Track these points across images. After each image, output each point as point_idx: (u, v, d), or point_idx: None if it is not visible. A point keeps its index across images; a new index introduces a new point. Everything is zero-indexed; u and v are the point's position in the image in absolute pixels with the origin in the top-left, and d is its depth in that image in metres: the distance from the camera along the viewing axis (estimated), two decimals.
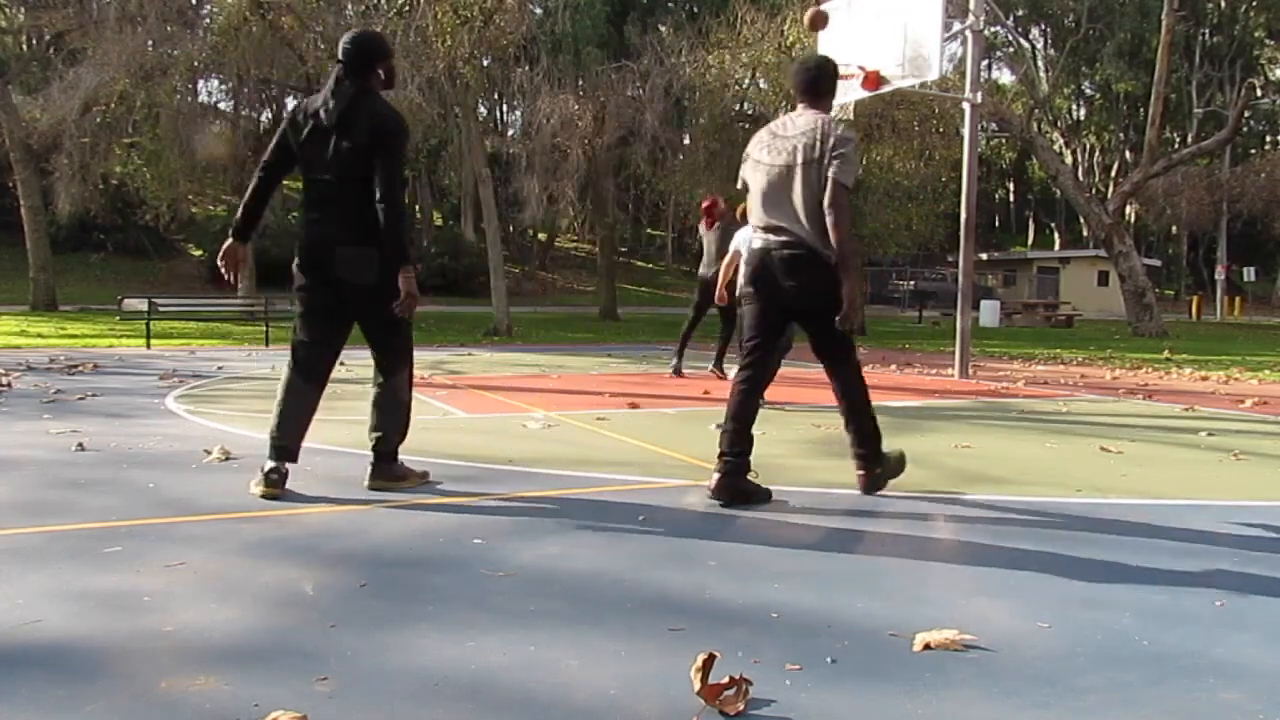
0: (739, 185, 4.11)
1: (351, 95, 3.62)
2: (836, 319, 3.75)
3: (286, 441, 3.70)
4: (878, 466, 3.91)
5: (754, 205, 3.93)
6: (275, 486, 3.65)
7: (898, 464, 3.99)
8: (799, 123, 3.85)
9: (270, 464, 3.67)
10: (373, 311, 3.72)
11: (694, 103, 21.08)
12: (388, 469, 3.85)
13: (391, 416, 3.84)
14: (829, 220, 3.69)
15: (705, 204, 8.96)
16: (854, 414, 3.88)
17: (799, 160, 3.75)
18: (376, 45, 3.71)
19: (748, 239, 7.38)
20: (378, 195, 3.57)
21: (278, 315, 14.50)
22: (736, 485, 3.68)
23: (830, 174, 3.69)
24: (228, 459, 4.42)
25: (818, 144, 3.73)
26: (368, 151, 3.58)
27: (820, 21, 8.87)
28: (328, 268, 3.68)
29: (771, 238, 3.84)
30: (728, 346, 8.85)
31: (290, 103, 31.73)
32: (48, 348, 12.11)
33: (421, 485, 3.90)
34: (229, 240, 3.85)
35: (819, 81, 3.94)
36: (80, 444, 4.75)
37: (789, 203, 3.78)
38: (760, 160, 3.91)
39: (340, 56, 3.66)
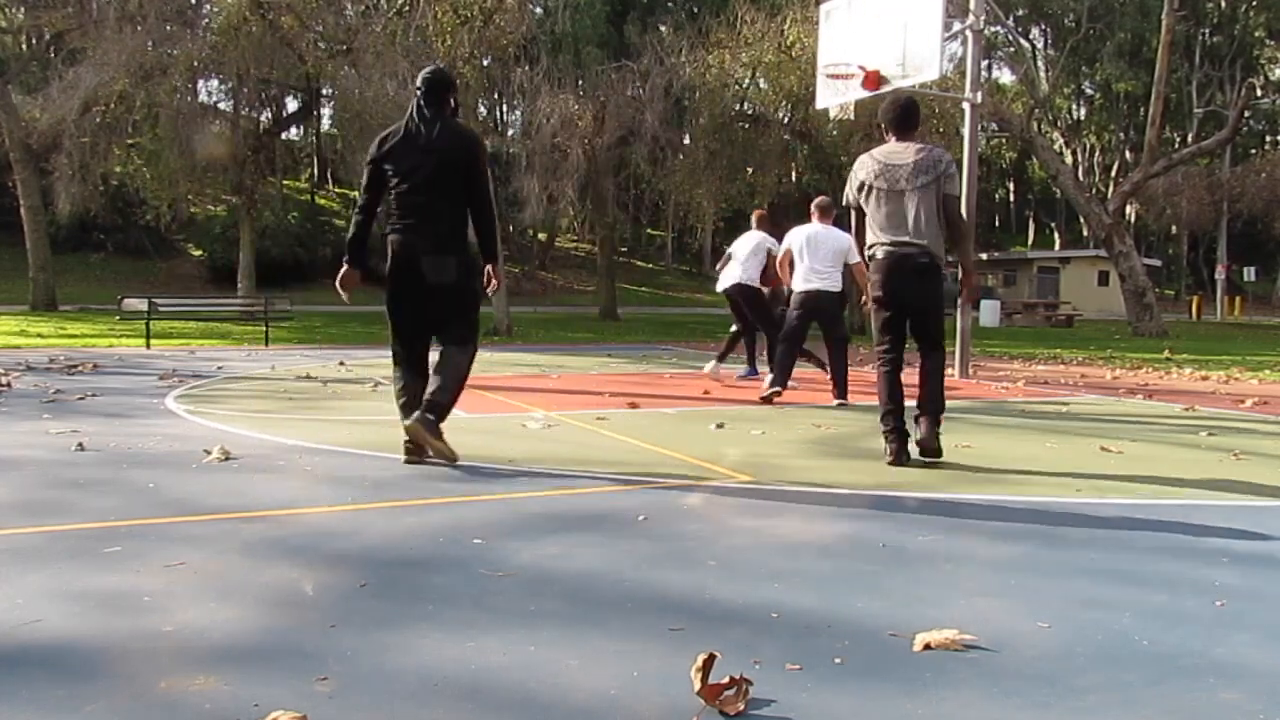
0: (845, 204, 4.91)
1: (440, 118, 4.30)
2: (961, 298, 4.81)
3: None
4: (939, 427, 4.62)
5: (876, 223, 4.68)
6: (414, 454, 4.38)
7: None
8: (905, 153, 4.64)
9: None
10: (450, 301, 4.36)
11: (694, 103, 21.07)
12: (432, 423, 4.21)
13: (450, 375, 4.32)
14: (958, 229, 4.67)
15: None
16: (936, 383, 4.66)
17: (915, 184, 4.57)
18: (449, 78, 4.44)
19: (798, 241, 7.40)
20: (472, 204, 4.32)
21: (277, 315, 14.51)
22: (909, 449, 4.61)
23: (946, 190, 4.57)
24: (227, 459, 4.42)
25: (931, 168, 4.56)
26: (460, 166, 4.26)
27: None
28: (417, 272, 4.30)
29: (895, 250, 4.61)
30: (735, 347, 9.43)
31: (290, 103, 31.74)
32: (47, 348, 12.11)
33: (448, 465, 4.05)
34: (345, 267, 4.54)
35: (908, 117, 4.74)
36: (80, 444, 4.75)
37: (908, 219, 4.59)
38: (880, 187, 4.66)
39: (421, 87, 4.33)
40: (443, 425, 4.34)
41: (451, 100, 4.40)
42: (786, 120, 20.69)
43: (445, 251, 4.26)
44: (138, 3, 18.04)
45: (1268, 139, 52.07)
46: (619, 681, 1.97)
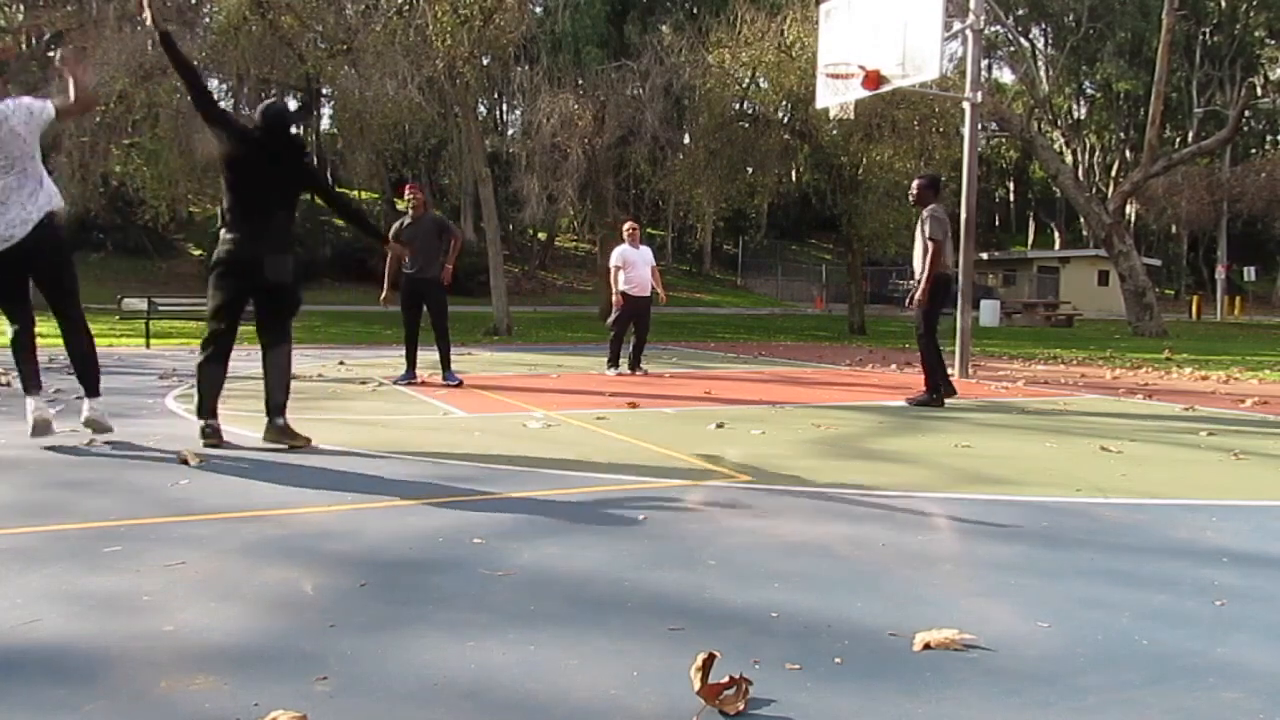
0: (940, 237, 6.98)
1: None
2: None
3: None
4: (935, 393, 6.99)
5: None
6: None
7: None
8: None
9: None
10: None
11: (694, 103, 21.06)
12: (283, 425, 4.83)
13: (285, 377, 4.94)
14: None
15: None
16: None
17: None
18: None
19: None
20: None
21: None
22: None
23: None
24: (203, 464, 4.41)
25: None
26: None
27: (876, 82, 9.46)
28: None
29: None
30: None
31: (290, 103, 31.72)
32: (47, 347, 12.06)
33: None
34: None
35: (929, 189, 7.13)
36: (80, 444, 4.75)
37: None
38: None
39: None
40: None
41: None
42: (786, 120, 20.68)
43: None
44: (137, 2, 18.02)
45: (1268, 139, 52.00)
46: (619, 681, 1.97)
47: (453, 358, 8.34)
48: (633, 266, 9.67)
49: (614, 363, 9.87)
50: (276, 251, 4.77)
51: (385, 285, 8.05)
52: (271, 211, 4.81)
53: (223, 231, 4.78)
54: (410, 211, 8.16)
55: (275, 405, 4.86)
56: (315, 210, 38.41)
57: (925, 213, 6.99)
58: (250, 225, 4.74)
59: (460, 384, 8.03)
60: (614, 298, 9.75)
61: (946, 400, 7.13)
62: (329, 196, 5.36)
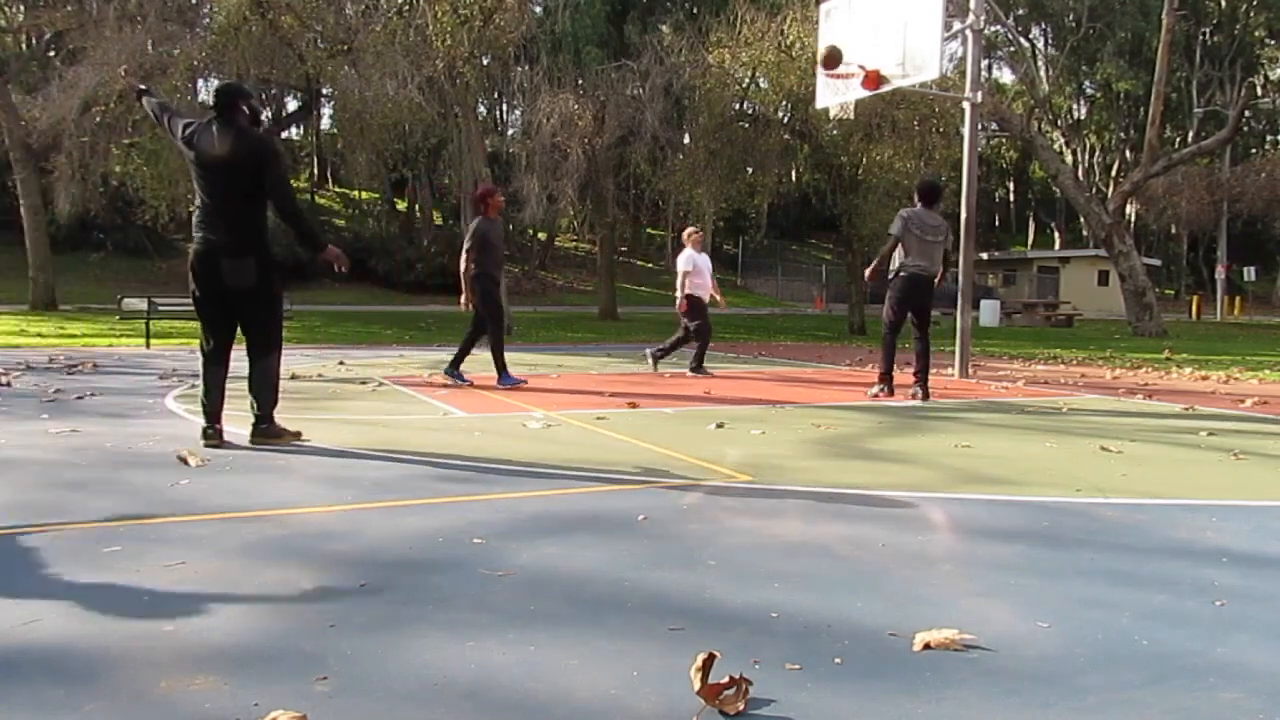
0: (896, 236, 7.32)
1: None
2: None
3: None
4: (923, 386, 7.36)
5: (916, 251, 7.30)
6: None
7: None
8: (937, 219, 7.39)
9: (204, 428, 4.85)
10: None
11: (694, 103, 21.05)
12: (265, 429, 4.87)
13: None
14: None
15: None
16: (924, 351, 7.42)
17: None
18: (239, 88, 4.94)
19: None
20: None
21: None
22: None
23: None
24: (203, 464, 4.41)
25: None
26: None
27: (834, 61, 9.45)
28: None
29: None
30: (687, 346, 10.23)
31: (290, 103, 31.72)
32: (47, 347, 12.10)
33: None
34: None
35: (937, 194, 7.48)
36: (79, 443, 4.74)
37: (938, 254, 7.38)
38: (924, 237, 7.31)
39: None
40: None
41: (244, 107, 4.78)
42: (786, 120, 20.67)
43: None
44: (138, 3, 18.03)
45: (1268, 139, 51.99)
46: (619, 681, 1.97)
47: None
48: (699, 273, 9.91)
49: (700, 365, 9.99)
50: (235, 255, 4.57)
51: (467, 289, 8.18)
52: (225, 211, 4.58)
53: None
54: (485, 215, 8.31)
55: (257, 414, 4.91)
56: (315, 210, 38.43)
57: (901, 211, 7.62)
58: (205, 227, 4.62)
59: (470, 384, 8.19)
60: (679, 303, 9.99)
61: (884, 400, 7.43)
62: (273, 195, 4.71)
